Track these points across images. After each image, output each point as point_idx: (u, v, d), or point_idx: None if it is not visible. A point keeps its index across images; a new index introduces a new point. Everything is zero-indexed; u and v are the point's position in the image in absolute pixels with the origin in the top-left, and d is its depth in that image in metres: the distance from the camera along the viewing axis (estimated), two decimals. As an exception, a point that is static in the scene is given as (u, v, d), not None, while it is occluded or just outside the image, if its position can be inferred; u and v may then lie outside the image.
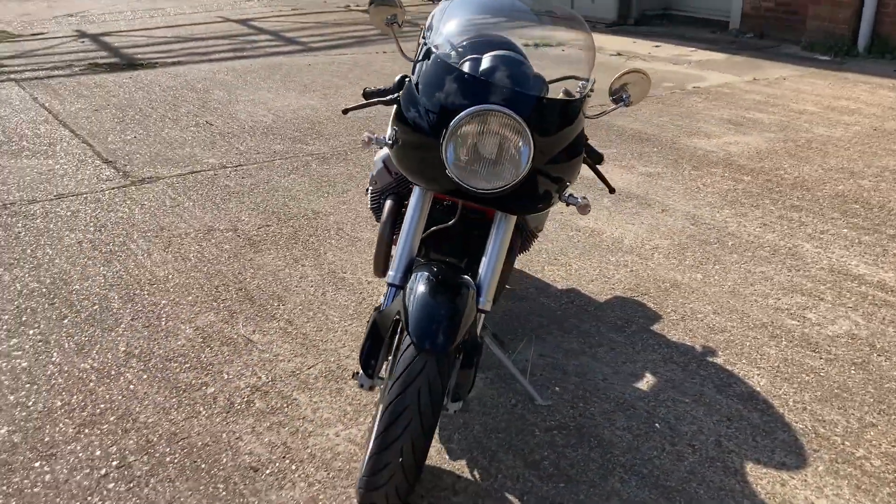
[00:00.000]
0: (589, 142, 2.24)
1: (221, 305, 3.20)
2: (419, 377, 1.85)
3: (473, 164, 1.96)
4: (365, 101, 2.29)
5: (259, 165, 4.86)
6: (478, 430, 2.51)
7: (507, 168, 1.96)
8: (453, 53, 2.23)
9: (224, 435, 2.46)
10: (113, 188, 4.45)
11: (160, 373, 2.76)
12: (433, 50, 2.10)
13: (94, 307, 3.17)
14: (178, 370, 2.78)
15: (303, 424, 2.51)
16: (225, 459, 2.35)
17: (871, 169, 4.94)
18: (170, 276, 3.43)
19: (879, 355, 2.94)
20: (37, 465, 2.32)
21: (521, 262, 3.61)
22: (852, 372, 2.84)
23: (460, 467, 2.34)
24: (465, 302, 1.98)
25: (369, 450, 1.94)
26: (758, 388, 2.74)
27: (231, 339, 2.97)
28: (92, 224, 3.96)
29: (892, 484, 2.30)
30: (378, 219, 2.64)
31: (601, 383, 2.76)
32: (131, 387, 2.68)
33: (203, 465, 2.33)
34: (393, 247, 2.39)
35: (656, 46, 8.93)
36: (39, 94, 6.47)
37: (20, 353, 2.86)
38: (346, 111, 2.37)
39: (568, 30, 2.39)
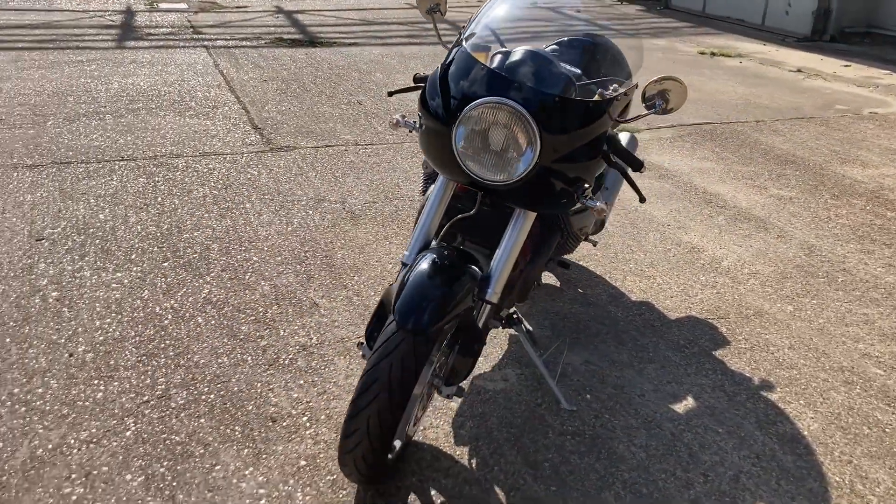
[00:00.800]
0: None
1: (302, 269, 3.41)
2: (393, 352, 1.91)
3: (480, 154, 1.99)
4: (410, 85, 2.37)
5: (388, 146, 5.06)
6: (493, 421, 2.53)
7: (511, 161, 1.97)
8: (482, 45, 2.26)
9: (259, 385, 2.64)
10: (252, 152, 4.82)
11: (227, 321, 3.00)
12: (463, 42, 2.15)
13: (195, 255, 3.48)
14: (242, 321, 3.01)
15: (331, 388, 2.65)
16: (251, 407, 2.54)
17: None
18: (269, 237, 3.69)
19: (965, 422, 2.64)
20: (95, 382, 2.61)
21: (602, 269, 3.55)
22: (924, 434, 2.57)
23: (461, 453, 2.38)
24: (460, 289, 2.02)
25: (346, 413, 2.03)
26: (805, 432, 2.55)
27: (299, 301, 3.16)
28: (221, 182, 4.32)
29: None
30: None
31: (636, 398, 2.68)
32: (198, 329, 2.94)
33: (231, 409, 2.52)
34: None
35: (845, 66, 8.29)
36: (221, 62, 7.07)
37: (118, 286, 3.20)
38: (391, 93, 2.47)
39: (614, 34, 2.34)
